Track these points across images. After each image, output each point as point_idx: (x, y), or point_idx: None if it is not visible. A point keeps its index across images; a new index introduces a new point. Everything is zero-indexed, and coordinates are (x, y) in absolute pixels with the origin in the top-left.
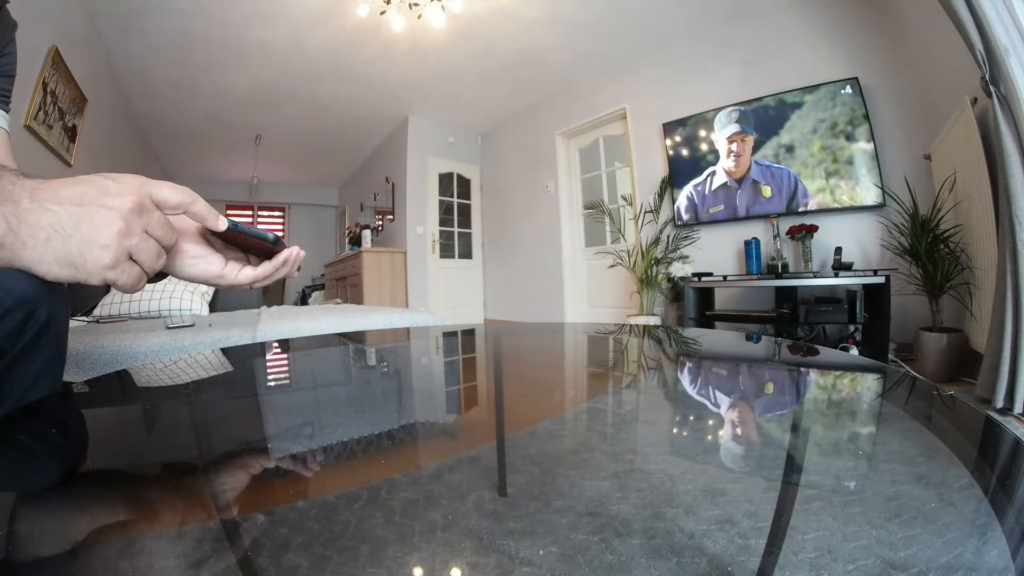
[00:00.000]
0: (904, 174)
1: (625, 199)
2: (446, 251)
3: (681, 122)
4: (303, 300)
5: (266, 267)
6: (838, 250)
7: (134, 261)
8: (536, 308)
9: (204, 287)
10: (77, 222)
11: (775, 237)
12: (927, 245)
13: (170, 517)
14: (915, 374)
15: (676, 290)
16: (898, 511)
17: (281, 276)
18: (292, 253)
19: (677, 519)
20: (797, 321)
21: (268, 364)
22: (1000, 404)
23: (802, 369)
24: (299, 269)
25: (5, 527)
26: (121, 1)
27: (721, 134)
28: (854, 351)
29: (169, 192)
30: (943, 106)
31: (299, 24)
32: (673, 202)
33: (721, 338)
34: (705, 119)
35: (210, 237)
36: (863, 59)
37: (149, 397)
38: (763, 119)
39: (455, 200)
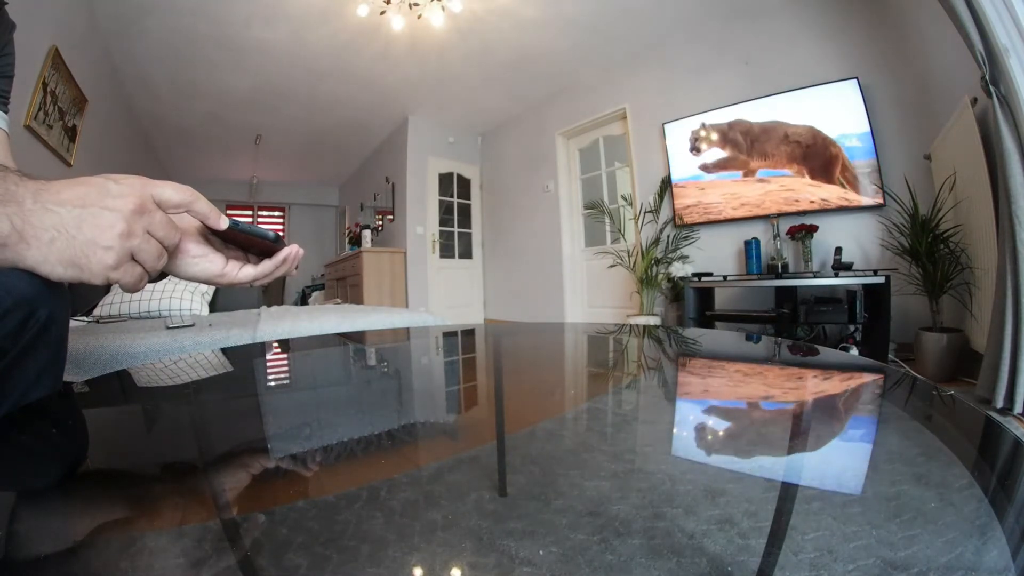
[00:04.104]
0: (904, 174)
1: (625, 199)
2: (446, 251)
3: (681, 122)
4: (303, 300)
5: (266, 265)
6: (838, 250)
7: (136, 261)
8: (536, 308)
9: (204, 287)
10: (80, 223)
11: (775, 237)
12: (927, 245)
13: (170, 516)
14: (915, 374)
15: (676, 290)
16: (898, 511)
17: (281, 274)
18: (291, 251)
19: (677, 519)
20: (797, 321)
21: (268, 364)
22: (1000, 404)
23: (802, 369)
24: (297, 267)
25: (5, 527)
26: (121, 1)
27: None
28: (854, 351)
29: (171, 192)
30: (943, 106)
31: (299, 24)
32: (673, 202)
33: (721, 338)
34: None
35: (209, 236)
36: (863, 59)
37: (149, 397)
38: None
39: (455, 200)
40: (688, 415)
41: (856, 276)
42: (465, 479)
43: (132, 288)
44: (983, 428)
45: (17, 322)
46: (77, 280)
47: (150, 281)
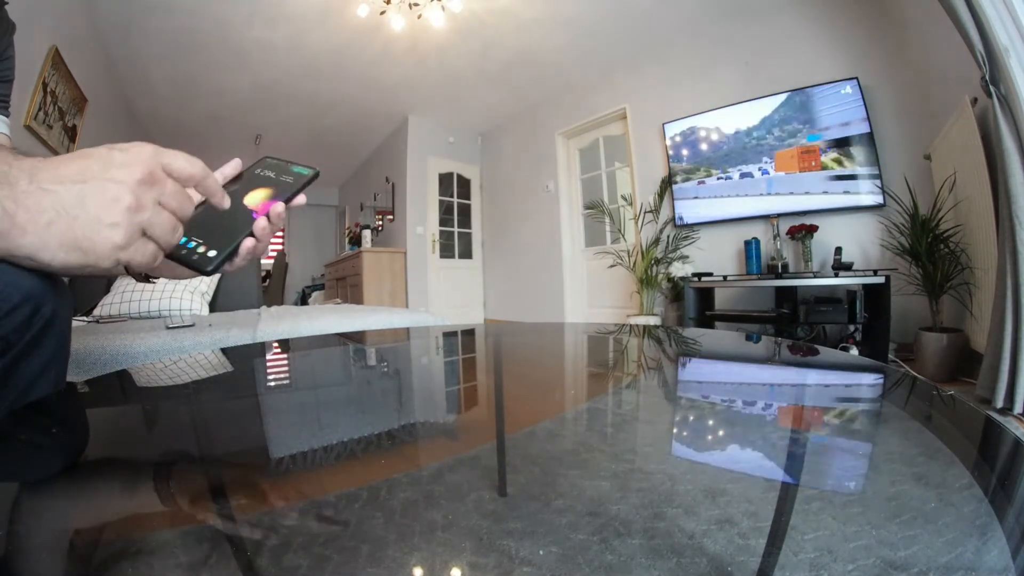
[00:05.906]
0: (904, 174)
1: (625, 199)
2: (446, 251)
3: (681, 122)
4: (303, 300)
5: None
6: (838, 250)
7: (148, 237)
8: (536, 308)
9: (204, 286)
10: (82, 200)
11: (775, 237)
12: (927, 245)
13: (170, 516)
14: (915, 374)
15: (676, 290)
16: (898, 511)
17: (268, 240)
18: (260, 225)
19: (677, 519)
20: (797, 321)
21: (268, 364)
22: (1000, 404)
23: (802, 369)
24: (284, 229)
25: (6, 525)
26: (121, 1)
27: None
28: (854, 351)
29: (184, 162)
30: (943, 106)
31: (299, 24)
32: (673, 202)
33: (721, 338)
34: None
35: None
36: (863, 59)
37: (149, 397)
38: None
39: (455, 200)
40: (688, 415)
41: (856, 276)
42: (465, 479)
43: (145, 268)
44: (983, 428)
45: (24, 317)
46: (82, 265)
47: (140, 280)
